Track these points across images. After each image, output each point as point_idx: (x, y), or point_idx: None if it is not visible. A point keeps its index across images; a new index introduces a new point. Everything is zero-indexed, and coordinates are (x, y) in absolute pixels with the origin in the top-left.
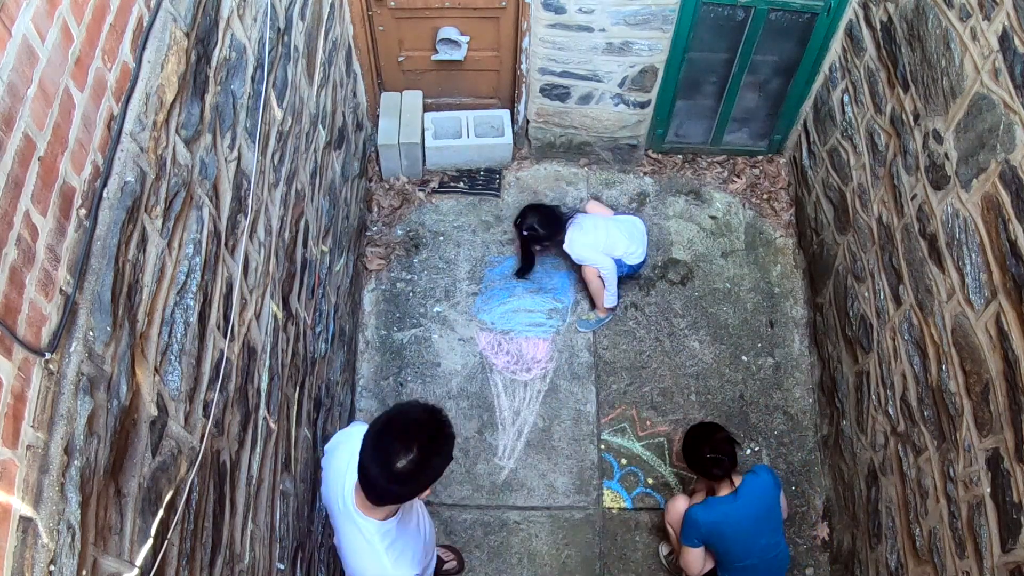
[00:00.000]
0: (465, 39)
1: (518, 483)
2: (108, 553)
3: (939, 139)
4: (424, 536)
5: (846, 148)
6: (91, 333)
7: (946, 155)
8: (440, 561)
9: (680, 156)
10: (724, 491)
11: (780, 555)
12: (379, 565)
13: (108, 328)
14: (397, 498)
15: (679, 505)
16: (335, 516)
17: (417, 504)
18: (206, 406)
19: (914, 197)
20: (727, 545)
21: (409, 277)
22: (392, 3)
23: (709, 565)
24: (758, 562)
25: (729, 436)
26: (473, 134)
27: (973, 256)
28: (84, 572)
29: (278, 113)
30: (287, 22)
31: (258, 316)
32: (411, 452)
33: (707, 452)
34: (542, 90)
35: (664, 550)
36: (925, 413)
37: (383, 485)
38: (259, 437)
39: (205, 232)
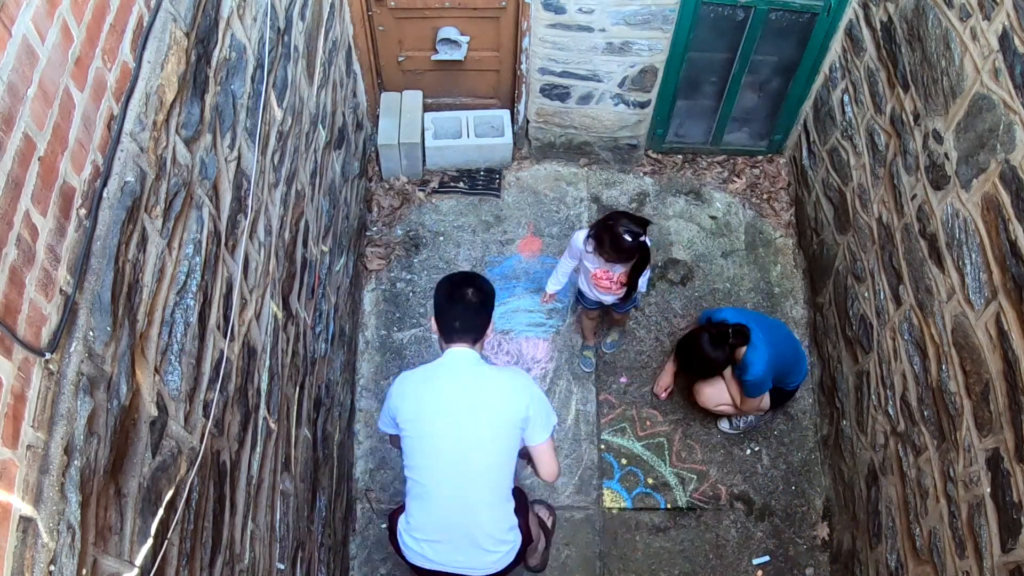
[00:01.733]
0: (465, 39)
1: (518, 483)
2: (108, 553)
3: (939, 139)
4: None
5: (846, 148)
6: (91, 333)
7: (946, 155)
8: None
9: (680, 156)
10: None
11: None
12: (505, 368)
13: (108, 328)
14: (475, 327)
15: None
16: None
17: None
18: (206, 406)
19: (914, 197)
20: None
21: (409, 277)
22: (392, 3)
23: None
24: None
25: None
26: (473, 134)
27: (973, 256)
28: (84, 572)
29: (278, 113)
30: (287, 22)
31: (258, 316)
32: (472, 285)
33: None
34: (542, 90)
35: (724, 425)
36: (925, 413)
37: (464, 317)
38: (259, 437)
39: (205, 232)
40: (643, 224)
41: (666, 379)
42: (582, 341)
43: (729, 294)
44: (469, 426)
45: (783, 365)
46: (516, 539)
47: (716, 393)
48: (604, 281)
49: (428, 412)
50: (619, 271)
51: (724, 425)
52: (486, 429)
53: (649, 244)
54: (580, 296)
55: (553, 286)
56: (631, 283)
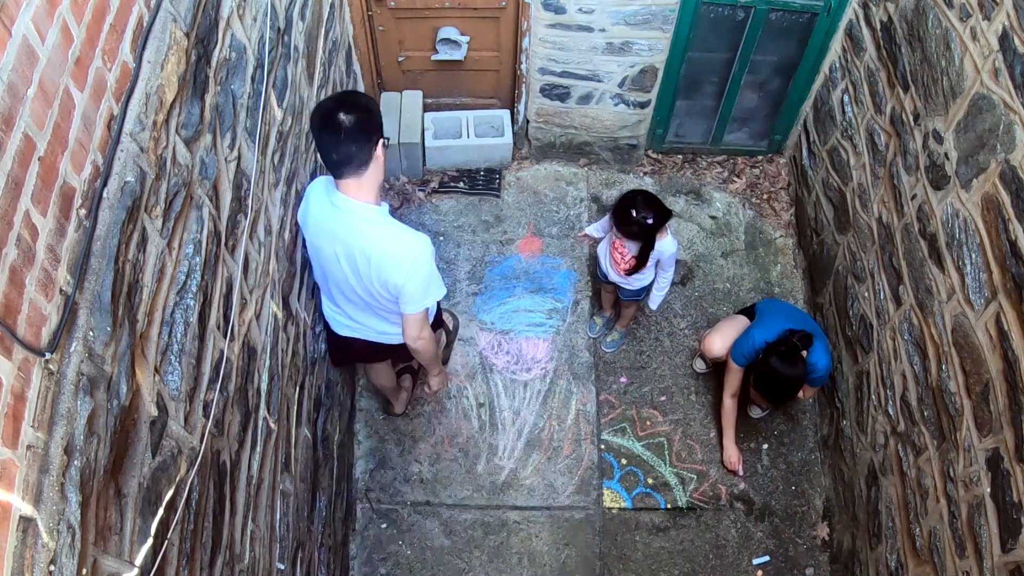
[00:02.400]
0: (465, 39)
1: (518, 483)
2: (108, 553)
3: (939, 139)
4: None
5: (846, 148)
6: (91, 333)
7: (946, 155)
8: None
9: (680, 156)
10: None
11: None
12: (405, 233)
13: (108, 328)
14: (360, 157)
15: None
16: (327, 238)
17: None
18: (206, 406)
19: (914, 197)
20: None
21: None
22: (392, 3)
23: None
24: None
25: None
26: (473, 134)
27: (973, 256)
28: (84, 572)
29: (278, 113)
30: (287, 22)
31: (258, 316)
32: (344, 108)
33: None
34: (542, 90)
35: (756, 412)
36: (925, 413)
37: (344, 146)
38: (259, 437)
39: (205, 232)
40: (658, 210)
41: (732, 450)
42: (597, 308)
43: (729, 294)
44: (351, 273)
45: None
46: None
47: (760, 408)
48: (616, 253)
49: (321, 241)
50: (633, 249)
51: (756, 412)
52: (364, 284)
53: (669, 240)
54: (597, 265)
55: (592, 231)
56: (636, 265)
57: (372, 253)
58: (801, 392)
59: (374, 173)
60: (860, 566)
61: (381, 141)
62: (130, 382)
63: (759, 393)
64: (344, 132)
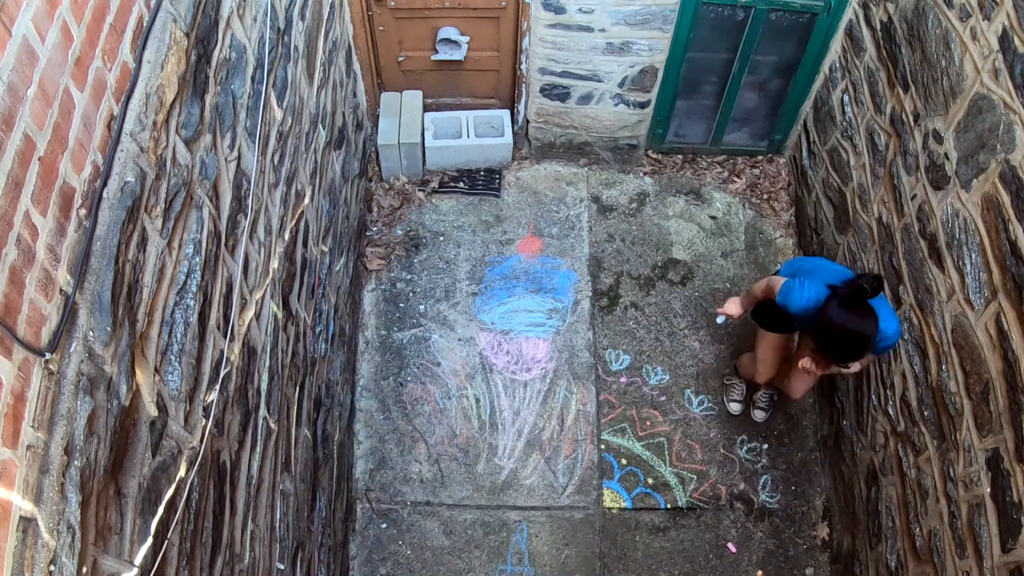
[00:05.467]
0: (465, 39)
1: (518, 483)
2: (108, 553)
3: (939, 139)
4: None
5: (846, 148)
6: (91, 333)
7: (946, 155)
8: None
9: (680, 156)
10: None
11: None
12: None
13: (108, 328)
14: None
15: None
16: None
17: None
18: (206, 406)
19: (914, 197)
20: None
21: (409, 277)
22: (392, 3)
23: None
24: None
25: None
26: (473, 134)
27: (973, 256)
28: (84, 572)
29: (278, 113)
30: (287, 22)
31: (258, 316)
32: None
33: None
34: (542, 90)
35: (759, 415)
36: (925, 413)
37: None
38: (259, 437)
39: (205, 232)
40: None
41: (734, 307)
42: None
43: (729, 294)
44: None
45: None
46: None
47: (805, 384)
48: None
49: None
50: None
51: (758, 416)
52: None
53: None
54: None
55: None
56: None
57: None
58: (860, 361)
59: None
60: (860, 566)
61: None
62: (130, 382)
63: (820, 353)
64: None
